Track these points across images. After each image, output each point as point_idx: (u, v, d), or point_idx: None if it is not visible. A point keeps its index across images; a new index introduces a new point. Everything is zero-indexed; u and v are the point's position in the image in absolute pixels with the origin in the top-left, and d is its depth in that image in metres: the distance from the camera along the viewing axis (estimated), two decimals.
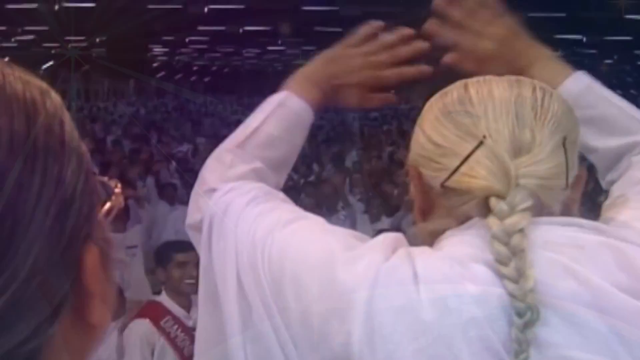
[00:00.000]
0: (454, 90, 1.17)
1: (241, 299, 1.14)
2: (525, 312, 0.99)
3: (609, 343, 1.00)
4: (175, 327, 4.30)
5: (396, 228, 8.37)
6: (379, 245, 1.10)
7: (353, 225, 8.82)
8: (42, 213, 0.54)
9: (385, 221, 8.68)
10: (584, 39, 26.42)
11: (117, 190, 0.73)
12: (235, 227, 1.19)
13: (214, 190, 1.31)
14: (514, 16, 1.52)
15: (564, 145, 1.10)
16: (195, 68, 51.88)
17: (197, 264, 4.54)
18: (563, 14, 19.56)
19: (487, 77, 1.17)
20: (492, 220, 1.05)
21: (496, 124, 1.09)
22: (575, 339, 1.00)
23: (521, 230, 1.03)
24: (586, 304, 1.00)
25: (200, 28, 27.35)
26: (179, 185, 10.61)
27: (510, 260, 1.02)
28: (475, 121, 1.11)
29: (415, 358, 1.00)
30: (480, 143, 1.08)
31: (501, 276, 1.02)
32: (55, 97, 0.61)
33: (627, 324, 1.00)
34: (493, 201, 1.05)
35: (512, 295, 1.00)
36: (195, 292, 4.47)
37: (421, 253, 1.08)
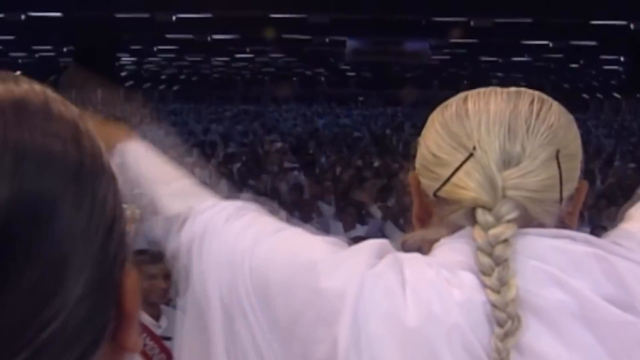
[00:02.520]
0: (453, 103, 1.18)
1: (225, 315, 1.16)
2: (505, 322, 1.01)
3: (594, 353, 1.01)
4: (144, 335, 4.26)
5: (371, 237, 8.30)
6: (363, 251, 1.12)
7: (326, 233, 8.76)
8: (90, 239, 0.53)
9: (359, 229, 8.61)
10: (551, 44, 26.63)
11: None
12: (218, 244, 1.21)
13: (185, 220, 1.30)
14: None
15: (557, 158, 1.10)
16: (163, 77, 51.71)
17: (166, 276, 4.43)
18: (530, 20, 19.71)
19: (489, 89, 1.18)
20: (477, 232, 1.06)
21: (488, 136, 1.10)
22: (560, 347, 1.01)
23: (505, 241, 1.04)
24: (572, 314, 1.02)
25: (169, 36, 27.24)
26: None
27: (494, 270, 1.03)
28: (469, 132, 1.12)
29: None
30: (471, 155, 1.10)
31: (484, 286, 1.03)
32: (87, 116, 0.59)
33: (613, 335, 1.01)
34: (479, 212, 1.07)
35: (493, 305, 1.02)
36: (164, 301, 4.45)
37: (410, 259, 1.09)
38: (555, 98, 1.21)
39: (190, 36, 26.01)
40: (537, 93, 1.18)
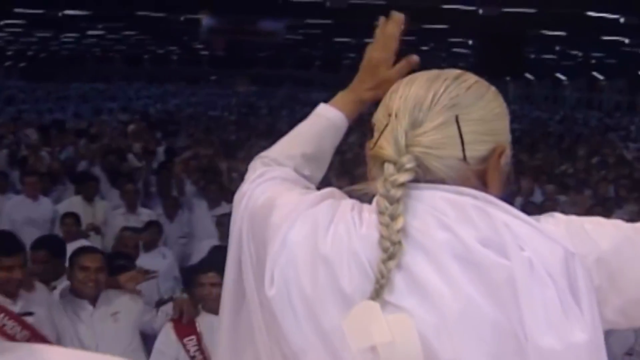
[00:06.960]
0: (398, 82, 1.45)
1: (238, 243, 1.50)
2: (388, 249, 1.27)
3: (464, 290, 1.24)
4: (1, 315, 4.18)
5: None
6: (313, 196, 1.43)
7: (190, 211, 8.63)
8: None
9: (225, 206, 8.42)
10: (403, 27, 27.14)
11: None
12: (248, 198, 1.52)
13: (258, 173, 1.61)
14: None
15: (457, 121, 1.34)
16: (10, 53, 49.94)
17: (21, 267, 4.24)
18: (383, 2, 20.04)
19: (430, 72, 1.44)
20: (380, 181, 1.32)
21: (404, 107, 1.36)
22: (436, 277, 1.25)
23: (401, 185, 1.29)
24: (452, 254, 1.26)
25: (17, 10, 26.30)
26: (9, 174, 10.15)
27: (387, 209, 1.29)
28: (394, 104, 1.38)
29: (308, 279, 1.32)
30: (389, 121, 1.37)
31: (379, 223, 1.29)
32: None
33: (487, 276, 1.24)
34: (386, 165, 1.32)
35: (381, 236, 1.28)
36: (19, 291, 4.31)
37: (344, 204, 1.39)
38: None
39: (40, 11, 25.22)
40: (458, 72, 1.42)
